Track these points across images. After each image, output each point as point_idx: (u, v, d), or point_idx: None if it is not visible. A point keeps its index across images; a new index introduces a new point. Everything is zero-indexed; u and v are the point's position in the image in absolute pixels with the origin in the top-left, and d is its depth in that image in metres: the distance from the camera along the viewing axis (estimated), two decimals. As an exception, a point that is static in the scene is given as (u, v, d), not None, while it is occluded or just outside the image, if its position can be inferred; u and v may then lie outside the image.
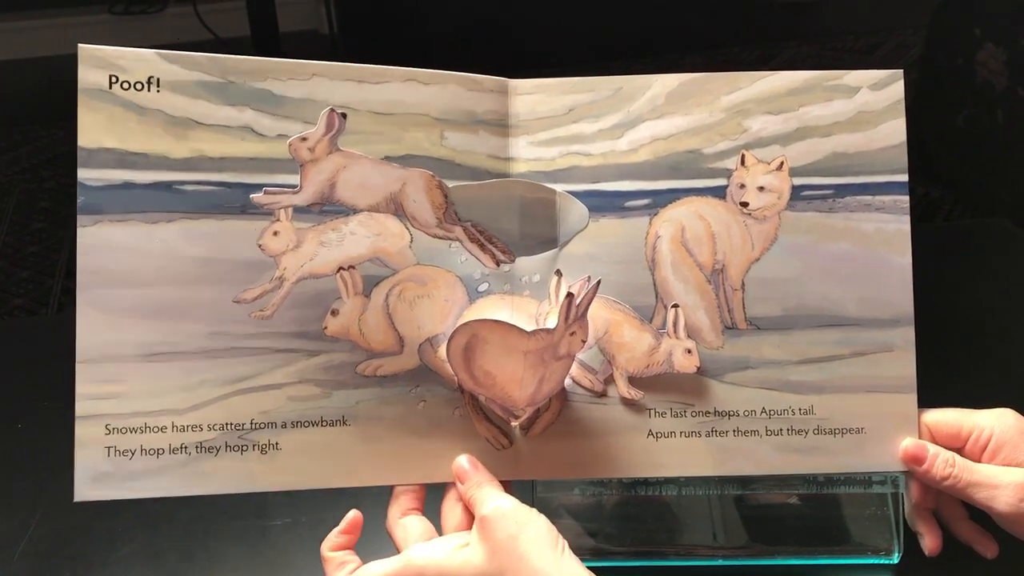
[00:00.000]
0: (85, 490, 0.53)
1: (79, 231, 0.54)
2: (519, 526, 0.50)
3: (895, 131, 0.58)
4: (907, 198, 0.58)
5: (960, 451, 0.58)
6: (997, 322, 0.83)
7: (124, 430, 0.54)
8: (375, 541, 0.55)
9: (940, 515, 0.61)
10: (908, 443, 0.57)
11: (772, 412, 0.57)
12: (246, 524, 0.66)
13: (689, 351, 0.57)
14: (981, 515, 0.60)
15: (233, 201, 0.55)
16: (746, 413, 0.57)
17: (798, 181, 0.58)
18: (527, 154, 0.58)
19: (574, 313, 0.53)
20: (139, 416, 0.54)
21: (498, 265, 0.57)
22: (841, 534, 0.62)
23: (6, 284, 1.75)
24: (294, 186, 0.55)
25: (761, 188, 0.58)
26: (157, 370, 0.54)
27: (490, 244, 0.57)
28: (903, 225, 0.58)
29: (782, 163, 0.58)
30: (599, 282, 0.54)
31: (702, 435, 0.57)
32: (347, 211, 0.56)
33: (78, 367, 0.53)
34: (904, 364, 0.57)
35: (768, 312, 0.58)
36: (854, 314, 0.58)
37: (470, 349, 0.53)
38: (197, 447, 0.54)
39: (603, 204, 0.58)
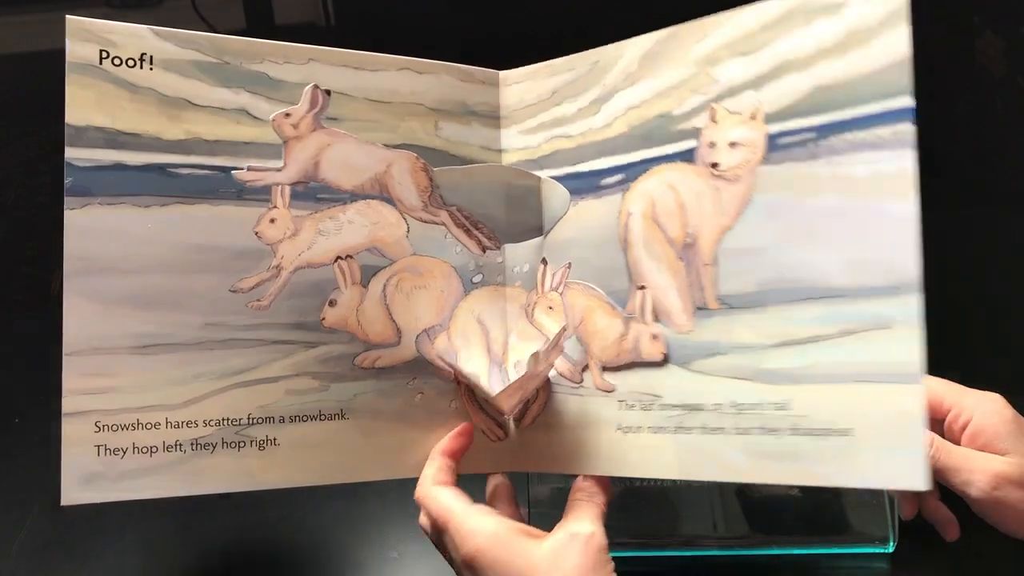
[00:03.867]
0: (73, 493, 0.49)
1: (66, 214, 0.50)
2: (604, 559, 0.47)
3: (896, 45, 0.44)
4: (910, 127, 0.43)
5: (939, 424, 0.58)
6: (994, 312, 0.83)
7: (115, 427, 0.51)
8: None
9: None
10: None
11: (741, 407, 0.47)
12: (242, 515, 0.66)
13: (655, 336, 0.50)
14: (957, 499, 0.60)
15: (229, 186, 0.53)
16: (713, 407, 0.48)
17: (774, 128, 0.47)
18: (516, 143, 0.57)
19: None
20: (131, 412, 0.51)
21: (484, 251, 0.57)
22: (840, 524, 0.61)
23: (5, 278, 1.74)
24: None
25: (733, 144, 0.48)
26: (150, 363, 0.51)
27: (475, 229, 0.57)
28: (904, 162, 0.43)
29: (755, 112, 0.48)
30: (569, 264, 0.53)
31: (668, 432, 0.50)
32: (344, 198, 0.55)
33: (65, 360, 0.50)
34: (906, 345, 0.43)
35: (741, 288, 0.48)
36: (840, 282, 0.45)
37: None
38: (192, 444, 0.51)
39: (582, 186, 0.55)
